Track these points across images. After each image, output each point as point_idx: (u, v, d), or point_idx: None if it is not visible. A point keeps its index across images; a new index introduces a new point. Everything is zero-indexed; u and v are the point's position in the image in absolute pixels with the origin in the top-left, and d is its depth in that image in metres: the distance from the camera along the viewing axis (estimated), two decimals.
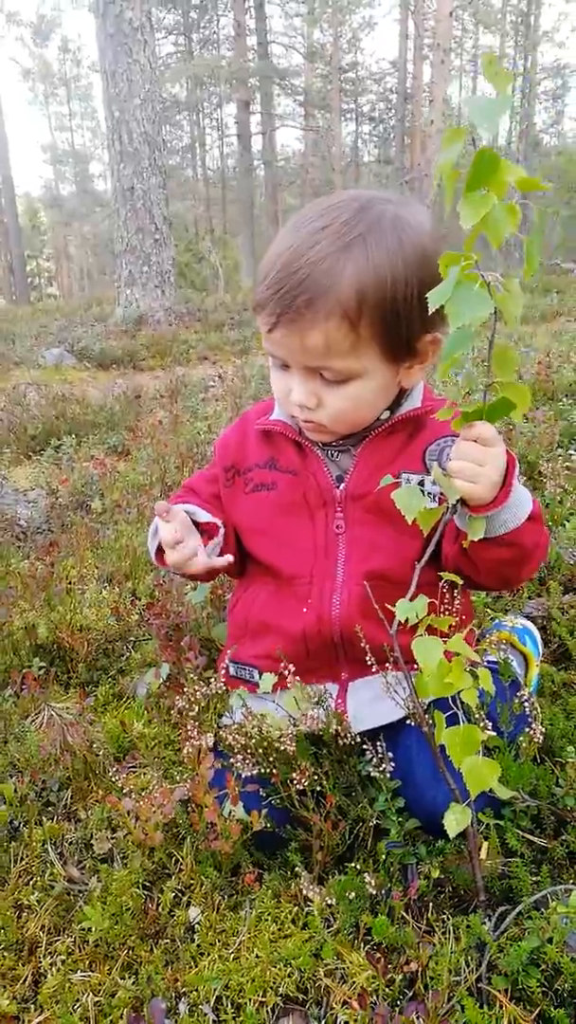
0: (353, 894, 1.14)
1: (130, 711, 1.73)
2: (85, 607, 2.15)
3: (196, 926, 1.20)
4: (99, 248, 42.64)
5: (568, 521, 2.25)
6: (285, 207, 38.67)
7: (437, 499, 1.20)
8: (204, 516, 1.34)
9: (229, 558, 1.33)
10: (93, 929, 1.18)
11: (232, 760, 1.24)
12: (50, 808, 1.48)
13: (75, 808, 1.48)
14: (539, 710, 1.49)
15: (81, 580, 2.43)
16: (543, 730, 1.25)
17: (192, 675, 1.35)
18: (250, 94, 29.06)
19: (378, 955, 1.11)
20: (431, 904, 1.20)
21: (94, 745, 1.51)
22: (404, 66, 29.04)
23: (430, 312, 0.90)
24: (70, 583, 2.39)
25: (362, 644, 1.24)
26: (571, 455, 2.85)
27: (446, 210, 0.90)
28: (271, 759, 1.25)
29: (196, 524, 1.32)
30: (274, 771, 1.24)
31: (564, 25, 57.91)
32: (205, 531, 1.34)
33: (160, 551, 1.33)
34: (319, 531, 1.37)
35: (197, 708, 1.28)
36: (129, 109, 9.97)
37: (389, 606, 1.03)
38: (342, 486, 1.35)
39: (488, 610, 1.98)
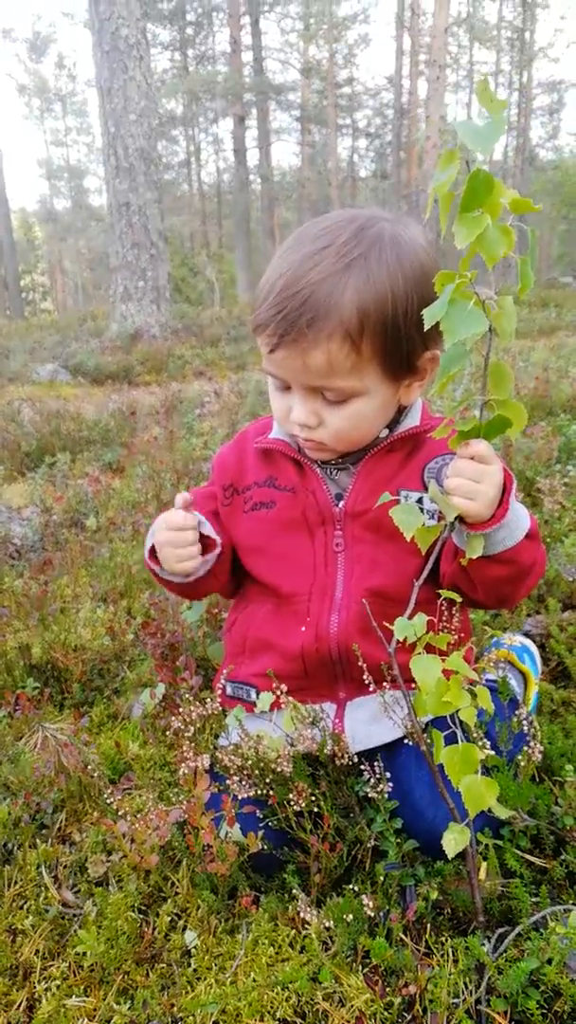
0: (351, 916, 1.13)
1: (125, 732, 1.72)
2: (80, 626, 2.14)
3: (192, 950, 1.19)
4: (94, 263, 42.81)
5: (567, 538, 2.25)
6: (281, 222, 38.90)
7: (436, 517, 1.19)
8: (209, 529, 1.34)
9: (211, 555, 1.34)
10: (88, 954, 1.17)
11: (228, 782, 1.22)
12: (44, 831, 1.47)
13: (70, 831, 1.47)
14: (538, 729, 1.49)
15: (76, 599, 2.42)
16: (542, 749, 1.25)
17: (188, 695, 1.34)
18: (246, 109, 29.28)
19: (376, 978, 1.09)
20: (430, 926, 1.19)
21: (89, 767, 1.49)
22: (400, 82, 29.28)
23: (427, 329, 0.91)
24: (64, 602, 2.38)
25: (358, 665, 1.23)
26: (569, 471, 2.85)
27: (442, 230, 0.91)
28: (267, 780, 1.24)
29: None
30: (271, 792, 1.23)
31: (559, 40, 58.42)
32: (206, 545, 1.34)
33: (152, 553, 1.33)
34: (319, 549, 1.36)
35: (193, 729, 1.27)
36: (125, 124, 10.03)
37: (388, 624, 1.03)
38: (341, 504, 1.35)
39: (487, 628, 1.97)
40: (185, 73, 33.58)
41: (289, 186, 39.58)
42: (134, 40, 9.86)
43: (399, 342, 1.19)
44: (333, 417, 1.25)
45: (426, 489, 1.30)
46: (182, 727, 1.28)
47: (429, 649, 1.01)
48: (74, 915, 1.28)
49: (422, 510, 1.27)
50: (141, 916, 1.26)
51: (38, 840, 1.43)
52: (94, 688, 1.94)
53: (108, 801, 1.28)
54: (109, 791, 1.27)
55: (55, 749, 1.50)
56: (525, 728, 1.28)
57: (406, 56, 28.82)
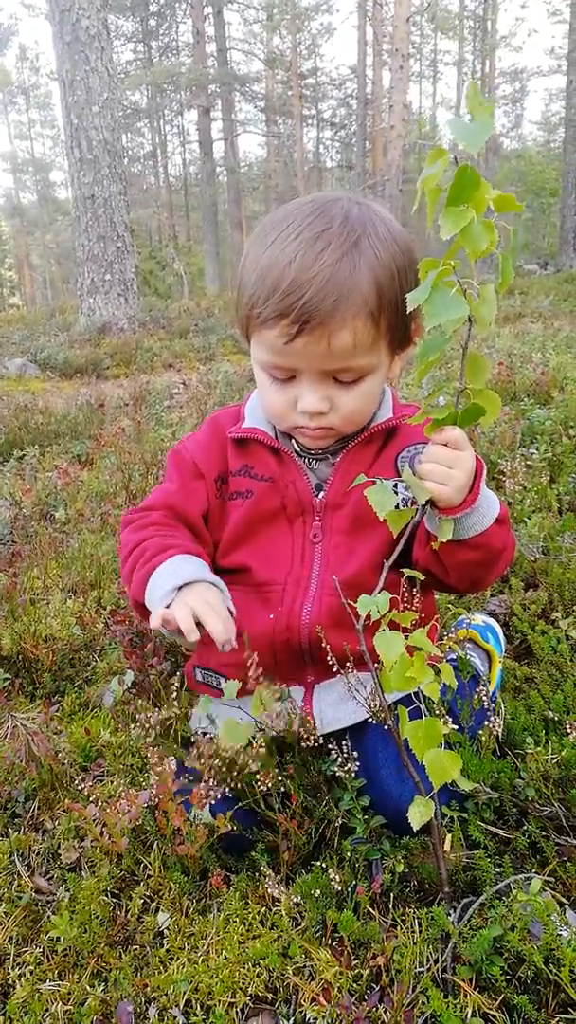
0: (319, 892, 1.15)
1: (97, 720, 1.73)
2: (50, 617, 2.13)
3: (165, 931, 1.20)
4: (62, 257, 42.39)
5: (529, 519, 2.28)
6: (249, 213, 38.76)
7: (409, 503, 1.21)
8: (214, 578, 1.26)
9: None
10: (62, 938, 1.18)
11: (199, 772, 1.23)
12: (16, 820, 1.47)
13: (42, 819, 1.48)
14: (501, 704, 1.52)
15: (46, 590, 2.42)
16: (501, 723, 1.27)
17: (158, 683, 1.35)
18: (210, 101, 29.11)
19: (344, 950, 1.11)
20: (397, 898, 1.21)
21: (59, 755, 1.50)
22: (363, 72, 29.25)
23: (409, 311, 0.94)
24: (34, 594, 2.37)
25: (326, 651, 1.24)
26: (532, 454, 2.89)
27: (429, 222, 0.94)
28: (235, 773, 1.24)
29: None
30: (238, 777, 1.24)
31: (521, 29, 58.68)
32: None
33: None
34: (296, 539, 1.37)
35: (154, 734, 1.28)
36: (88, 117, 9.94)
37: (361, 613, 1.05)
38: (321, 495, 1.37)
39: (451, 607, 2.00)
40: (149, 64, 33.30)
41: (256, 177, 39.45)
42: (95, 31, 9.77)
43: (404, 314, 1.22)
44: (346, 398, 1.27)
45: (399, 476, 1.32)
46: (142, 732, 1.28)
47: (393, 627, 1.03)
48: (47, 901, 1.29)
49: (397, 495, 1.29)
50: (114, 900, 1.27)
51: (10, 829, 1.44)
52: (65, 678, 1.94)
53: (79, 787, 1.29)
54: (81, 778, 1.28)
55: (25, 738, 1.51)
56: (486, 704, 1.31)
57: (369, 46, 28.79)
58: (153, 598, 1.23)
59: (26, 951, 1.20)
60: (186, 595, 1.19)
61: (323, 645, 1.25)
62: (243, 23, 36.25)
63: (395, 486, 1.31)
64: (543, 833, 1.26)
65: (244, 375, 5.88)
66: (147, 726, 1.27)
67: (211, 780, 1.21)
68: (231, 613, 1.21)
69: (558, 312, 10.71)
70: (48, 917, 1.25)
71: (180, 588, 1.20)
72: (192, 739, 1.27)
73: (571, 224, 22.40)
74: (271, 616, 1.35)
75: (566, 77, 24.91)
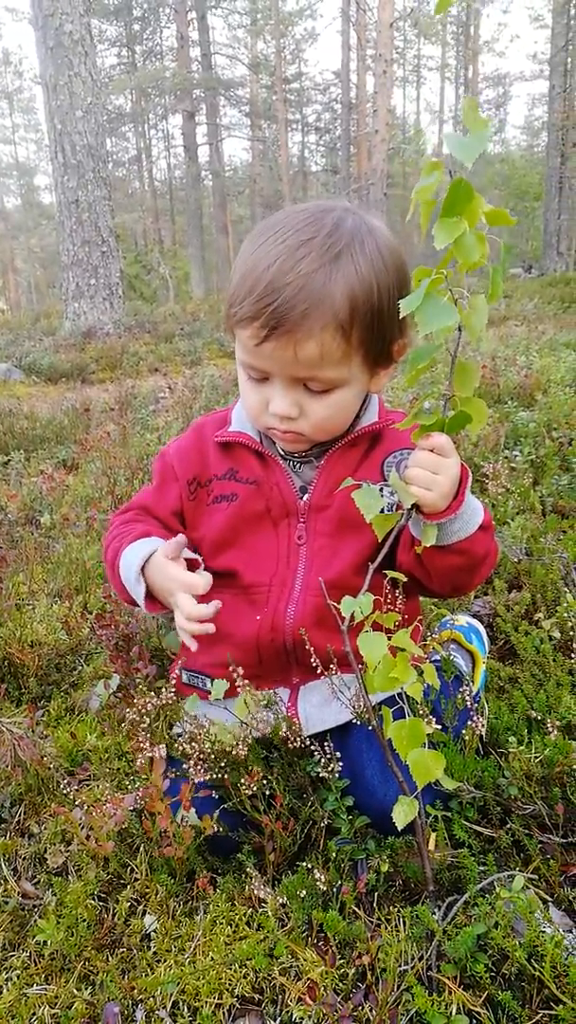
0: (305, 892, 1.16)
1: (83, 724, 1.73)
2: (36, 622, 2.13)
3: (152, 934, 1.21)
4: (47, 261, 42.27)
5: (512, 520, 2.30)
6: (234, 217, 38.80)
7: (395, 508, 1.22)
8: (188, 553, 1.32)
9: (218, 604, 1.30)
10: (48, 942, 1.18)
11: (185, 766, 1.24)
12: (2, 824, 1.47)
13: (28, 823, 1.48)
14: (485, 704, 1.53)
15: (31, 595, 2.41)
16: (485, 723, 1.29)
17: (143, 685, 1.36)
18: (195, 105, 29.15)
19: (330, 950, 1.12)
20: (382, 897, 1.22)
21: (45, 759, 1.50)
22: (347, 76, 29.33)
23: (402, 317, 0.95)
24: (20, 599, 2.37)
25: (310, 652, 1.26)
26: (516, 456, 2.91)
27: (422, 233, 0.96)
28: (222, 765, 1.26)
29: None
30: (225, 777, 1.25)
31: (503, 35, 59.06)
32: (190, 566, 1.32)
33: (149, 598, 1.32)
34: (282, 542, 1.38)
35: (148, 720, 1.28)
36: (71, 121, 9.93)
37: (345, 614, 1.06)
38: (306, 497, 1.37)
39: (435, 608, 2.02)
40: (133, 69, 33.28)
41: (241, 181, 39.51)
42: (79, 36, 9.76)
43: (382, 331, 1.22)
44: (315, 407, 1.26)
45: (386, 480, 1.33)
46: (137, 718, 1.29)
47: (377, 628, 1.04)
48: (34, 906, 1.29)
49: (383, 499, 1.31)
50: (100, 903, 1.27)
51: None
52: (51, 682, 1.94)
53: (66, 792, 1.29)
54: (67, 782, 1.29)
55: (11, 743, 1.51)
56: (470, 704, 1.32)
57: (353, 51, 28.87)
58: (132, 591, 1.34)
59: (13, 956, 1.20)
60: (153, 580, 1.30)
61: (307, 646, 1.26)
62: (227, 28, 36.36)
63: (381, 490, 1.32)
64: (526, 831, 1.28)
65: (230, 379, 5.88)
66: (143, 712, 1.27)
67: (199, 768, 1.22)
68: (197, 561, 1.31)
69: (542, 315, 10.77)
70: (35, 921, 1.25)
71: (142, 572, 1.31)
72: (180, 735, 1.28)
73: (554, 228, 22.57)
74: (257, 618, 1.36)
75: (548, 82, 25.10)
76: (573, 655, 1.60)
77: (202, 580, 1.23)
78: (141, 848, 1.31)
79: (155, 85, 29.51)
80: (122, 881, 1.31)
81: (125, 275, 11.79)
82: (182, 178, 35.67)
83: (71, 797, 1.30)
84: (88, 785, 1.53)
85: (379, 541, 1.12)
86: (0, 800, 1.48)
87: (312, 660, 1.26)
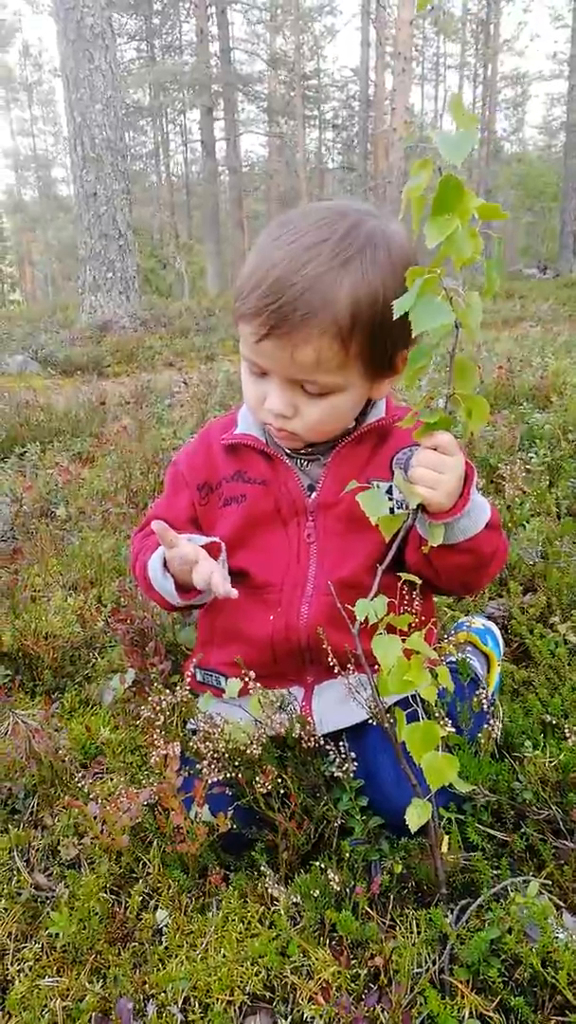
0: (318, 892, 1.16)
1: (97, 717, 1.74)
2: (51, 614, 2.14)
3: (164, 929, 1.21)
4: (63, 254, 42.32)
5: (528, 523, 2.29)
6: (250, 213, 38.78)
7: (404, 506, 1.22)
8: (202, 539, 1.33)
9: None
10: (61, 935, 1.18)
11: (199, 765, 1.25)
12: (16, 816, 1.48)
13: (41, 815, 1.48)
14: (500, 708, 1.53)
15: (46, 587, 2.42)
16: (501, 726, 1.28)
17: (158, 681, 1.36)
18: (213, 100, 29.11)
19: (343, 950, 1.12)
20: (394, 899, 1.22)
21: (59, 752, 1.51)
22: (366, 74, 29.27)
23: (408, 326, 0.93)
24: (35, 591, 2.38)
25: (326, 650, 1.25)
26: (531, 458, 2.90)
27: (414, 231, 0.95)
28: (236, 763, 1.26)
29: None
30: (239, 775, 1.26)
31: (523, 34, 58.71)
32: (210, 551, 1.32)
33: (180, 589, 1.34)
34: (292, 541, 1.38)
35: (163, 718, 1.29)
36: (91, 115, 9.94)
37: (359, 617, 1.06)
38: (313, 495, 1.37)
39: (449, 610, 2.01)
40: (152, 63, 33.29)
41: (258, 177, 39.46)
42: (99, 29, 9.77)
43: (384, 342, 1.20)
44: (310, 409, 1.25)
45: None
46: (152, 715, 1.30)
47: (391, 630, 1.04)
48: (46, 898, 1.30)
49: (391, 499, 1.30)
50: (113, 897, 1.28)
51: (10, 825, 1.44)
52: (65, 675, 1.95)
53: (80, 784, 1.29)
54: (81, 775, 1.29)
55: (26, 735, 1.51)
56: (485, 707, 1.32)
57: (372, 48, 28.79)
58: (163, 590, 1.35)
59: (25, 947, 1.21)
60: (175, 569, 1.31)
61: (324, 646, 1.26)
62: (246, 23, 36.24)
63: (389, 490, 1.32)
64: (540, 836, 1.27)
65: None
66: (157, 709, 1.28)
67: (213, 767, 1.22)
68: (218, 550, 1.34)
69: (557, 317, 10.74)
70: (47, 913, 1.25)
71: (166, 569, 1.34)
72: (195, 733, 1.29)
73: (570, 229, 22.47)
74: (271, 618, 1.36)
75: (567, 82, 24.96)
76: None
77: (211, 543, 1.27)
78: (154, 843, 1.32)
79: (174, 80, 29.49)
80: (134, 875, 1.32)
81: (141, 269, 11.80)
82: (199, 173, 35.70)
83: (85, 790, 1.31)
84: (101, 778, 1.54)
85: (388, 542, 1.11)
86: (14, 791, 1.49)
87: (329, 659, 1.25)
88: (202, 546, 1.31)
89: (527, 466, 2.65)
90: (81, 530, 2.89)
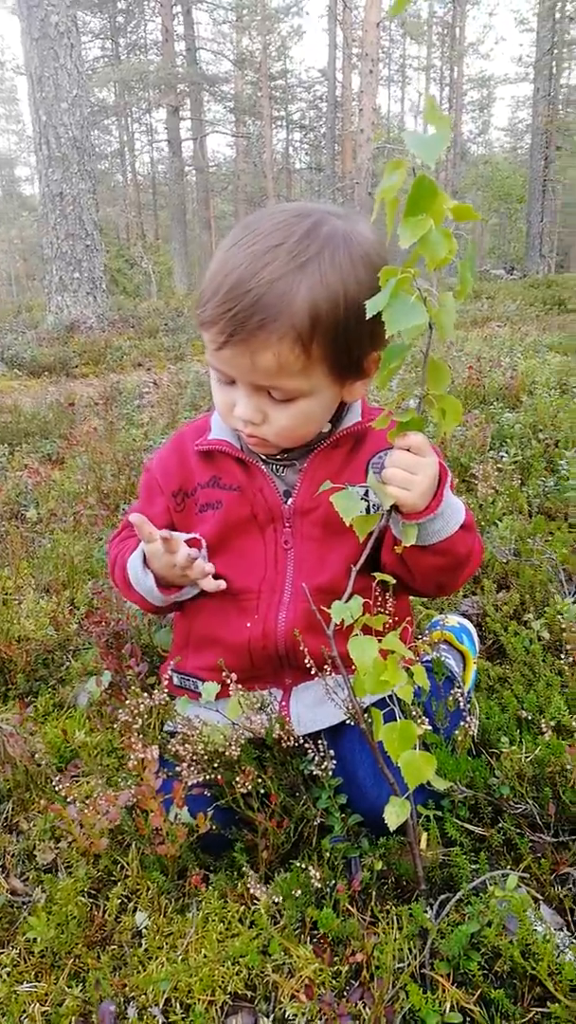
0: (299, 891, 1.16)
1: (72, 720, 1.72)
2: (23, 617, 2.12)
3: (143, 931, 1.21)
4: (28, 253, 41.91)
5: (500, 521, 2.32)
6: (217, 213, 38.71)
7: (379, 508, 1.23)
8: (182, 535, 1.32)
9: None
10: (38, 939, 1.17)
11: (178, 768, 1.24)
12: None
13: (16, 820, 1.47)
14: (476, 705, 1.54)
15: (18, 590, 2.40)
16: (477, 723, 1.30)
17: (135, 685, 1.35)
18: (179, 100, 29.03)
19: (324, 947, 1.13)
20: (375, 895, 1.22)
21: (35, 755, 1.49)
22: (333, 75, 29.35)
23: (376, 327, 0.93)
24: (6, 594, 2.36)
25: (304, 653, 1.25)
26: (502, 457, 2.93)
27: (388, 232, 0.94)
28: (215, 765, 1.26)
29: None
30: (218, 776, 1.25)
31: (488, 37, 59.30)
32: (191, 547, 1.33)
33: (161, 585, 1.34)
34: (269, 547, 1.37)
35: (140, 721, 1.28)
36: (56, 113, 9.86)
37: (335, 619, 1.06)
38: (290, 501, 1.36)
39: (424, 608, 2.03)
40: (117, 62, 33.09)
41: (225, 177, 39.41)
42: (64, 28, 9.68)
43: (348, 344, 1.18)
44: (278, 415, 1.23)
45: None
46: (130, 719, 1.29)
47: (367, 631, 1.04)
48: (23, 903, 1.29)
49: (368, 503, 1.30)
50: (91, 900, 1.27)
51: None
52: (39, 678, 1.93)
53: (56, 788, 1.28)
54: (58, 778, 1.28)
55: (0, 739, 1.50)
56: (461, 705, 1.33)
57: (339, 49, 28.88)
58: (143, 587, 1.37)
59: (3, 953, 1.20)
60: (155, 565, 1.33)
61: (301, 649, 1.26)
62: (212, 23, 36.17)
63: (366, 494, 1.32)
64: (518, 830, 1.29)
65: None
66: (135, 713, 1.27)
67: (193, 769, 1.22)
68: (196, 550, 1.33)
69: (525, 317, 10.85)
70: (24, 918, 1.24)
71: (146, 566, 1.35)
72: (172, 735, 1.28)
73: (537, 230, 22.72)
74: (248, 624, 1.36)
75: (533, 85, 25.25)
76: (562, 655, 1.61)
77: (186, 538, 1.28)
78: (132, 846, 1.31)
79: (139, 79, 29.32)
80: (113, 878, 1.31)
81: (108, 269, 11.73)
82: (165, 173, 35.56)
83: (62, 794, 1.30)
84: (78, 781, 1.53)
85: (362, 543, 1.12)
86: None
87: (306, 661, 1.25)
88: (185, 540, 1.32)
89: (499, 465, 2.67)
90: (52, 532, 2.87)
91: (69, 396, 5.51)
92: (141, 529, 1.25)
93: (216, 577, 1.39)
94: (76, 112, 10.03)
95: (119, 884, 1.27)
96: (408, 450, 1.10)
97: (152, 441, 3.83)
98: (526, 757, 1.34)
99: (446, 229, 0.91)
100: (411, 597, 1.67)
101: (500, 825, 1.30)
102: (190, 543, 1.33)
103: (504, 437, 3.30)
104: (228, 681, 1.25)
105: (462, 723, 1.30)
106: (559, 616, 1.80)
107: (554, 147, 22.73)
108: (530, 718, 1.46)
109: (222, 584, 1.30)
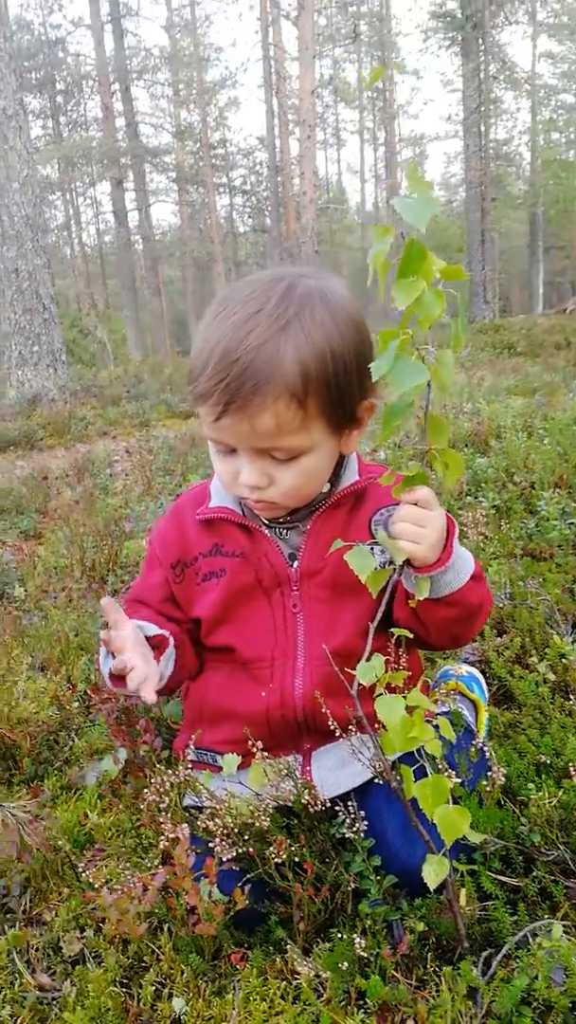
0: (346, 964, 1.14)
1: (82, 802, 1.69)
2: (22, 698, 2.08)
3: (182, 1017, 1.17)
4: None
5: (490, 567, 2.34)
6: (166, 278, 39.23)
7: (387, 565, 1.24)
8: (152, 630, 1.32)
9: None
10: None
11: (210, 843, 1.22)
12: (10, 915, 1.42)
13: (38, 911, 1.43)
14: (493, 753, 1.54)
15: (10, 671, 2.36)
16: (505, 772, 1.30)
17: (155, 762, 1.34)
18: (123, 172, 29.63)
19: (374, 1017, 1.10)
20: (416, 958, 1.20)
21: (57, 843, 1.46)
22: (272, 141, 30.19)
23: (366, 380, 0.97)
24: (0, 676, 2.31)
25: (325, 716, 1.25)
26: (482, 502, 2.98)
27: (381, 295, 0.98)
28: (246, 838, 1.24)
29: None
30: (250, 849, 1.23)
31: (417, 99, 61.76)
32: (155, 645, 1.31)
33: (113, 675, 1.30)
34: (277, 612, 1.37)
35: (167, 800, 1.26)
36: (8, 193, 10.01)
37: (351, 672, 1.06)
38: (296, 564, 1.37)
39: (431, 660, 2.03)
40: (59, 139, 33.76)
41: (171, 244, 40.08)
42: (12, 111, 9.90)
43: (341, 395, 1.21)
44: (284, 475, 1.25)
45: (375, 538, 1.34)
46: (156, 798, 1.27)
47: (389, 688, 1.05)
48: (53, 999, 1.24)
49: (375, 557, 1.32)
50: (124, 990, 1.23)
51: (5, 925, 1.38)
52: (43, 761, 1.89)
53: (83, 874, 1.25)
54: (83, 864, 1.25)
55: (15, 828, 1.46)
56: (487, 754, 1.33)
57: (276, 117, 29.78)
58: (104, 670, 1.30)
59: None
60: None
61: (323, 711, 1.25)
62: (151, 97, 37.17)
63: (372, 549, 1.33)
64: (552, 878, 1.28)
65: (184, 439, 5.90)
66: (161, 791, 1.25)
67: (225, 843, 1.20)
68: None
69: (477, 361, 11.10)
70: (56, 1014, 1.20)
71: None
72: (199, 810, 1.26)
73: (479, 278, 23.35)
74: (263, 693, 1.35)
75: (463, 142, 26.22)
76: (570, 697, 1.62)
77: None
78: (165, 928, 1.28)
79: (82, 154, 29.93)
80: (144, 964, 1.27)
81: (64, 340, 11.81)
82: (112, 243, 36.08)
83: (89, 879, 1.26)
84: (96, 865, 1.49)
85: (375, 600, 1.13)
86: (10, 889, 1.43)
87: (330, 723, 1.25)
88: (150, 637, 1.30)
89: (480, 511, 2.72)
90: (42, 609, 2.84)
91: (42, 470, 5.49)
92: (107, 612, 1.23)
93: (221, 651, 1.39)
94: (28, 191, 10.18)
95: (152, 970, 1.23)
96: (416, 504, 1.12)
97: (130, 509, 3.82)
98: (551, 802, 1.34)
99: (437, 289, 0.95)
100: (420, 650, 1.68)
101: (534, 874, 1.29)
102: (153, 640, 1.30)
103: (479, 482, 3.35)
104: (254, 750, 1.24)
105: (489, 773, 1.30)
106: (562, 658, 1.81)
107: (489, 199, 23.51)
108: (548, 762, 1.46)
109: (152, 698, 1.21)
